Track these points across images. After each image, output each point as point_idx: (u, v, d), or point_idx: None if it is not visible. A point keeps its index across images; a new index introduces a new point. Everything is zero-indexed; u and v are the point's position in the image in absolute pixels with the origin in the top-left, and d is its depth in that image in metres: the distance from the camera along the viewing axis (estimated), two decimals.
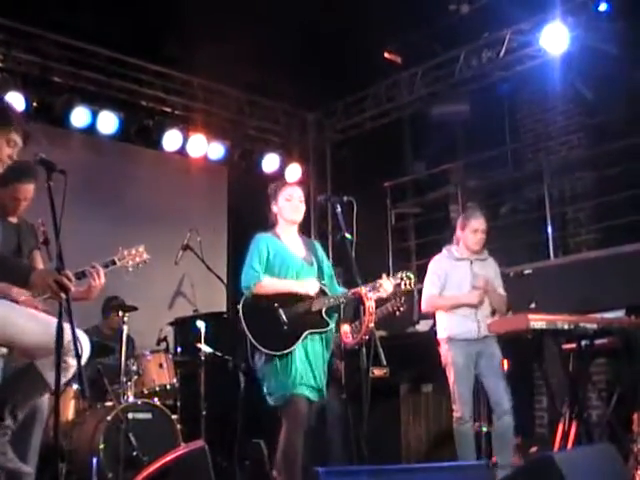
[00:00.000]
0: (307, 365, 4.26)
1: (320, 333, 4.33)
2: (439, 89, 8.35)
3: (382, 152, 9.11)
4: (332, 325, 4.35)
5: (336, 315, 4.44)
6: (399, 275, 4.58)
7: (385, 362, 4.09)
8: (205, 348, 6.53)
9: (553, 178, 8.01)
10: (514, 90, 8.49)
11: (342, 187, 8.64)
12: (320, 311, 4.32)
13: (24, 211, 4.27)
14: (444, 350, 5.46)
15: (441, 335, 5.51)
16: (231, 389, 6.63)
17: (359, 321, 5.68)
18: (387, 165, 9.19)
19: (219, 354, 6.68)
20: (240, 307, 4.29)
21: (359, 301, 4.17)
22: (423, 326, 7.59)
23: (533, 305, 5.60)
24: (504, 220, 8.24)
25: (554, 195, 7.99)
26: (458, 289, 5.45)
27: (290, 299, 4.31)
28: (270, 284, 4.29)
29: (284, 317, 4.24)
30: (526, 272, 7.01)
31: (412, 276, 4.60)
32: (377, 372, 6.22)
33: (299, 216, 4.52)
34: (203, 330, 6.54)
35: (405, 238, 9.39)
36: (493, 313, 5.47)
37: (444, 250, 5.67)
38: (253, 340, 4.19)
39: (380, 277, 4.44)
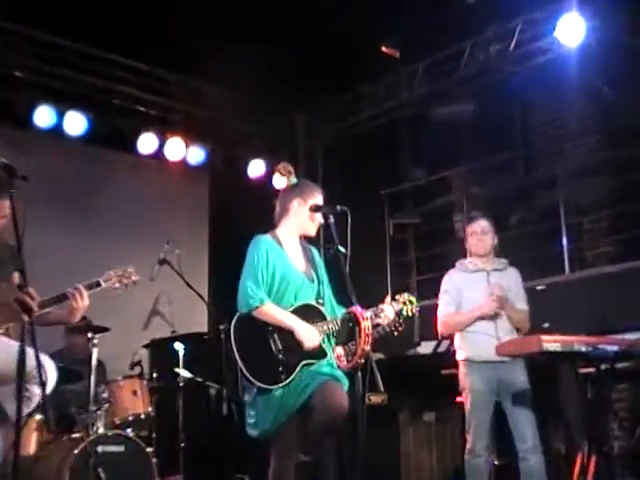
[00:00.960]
0: (301, 395, 4.16)
1: (314, 364, 4.22)
2: (442, 87, 8.37)
3: (379, 157, 9.13)
4: (330, 354, 4.29)
5: (334, 340, 4.38)
6: (401, 300, 4.53)
7: (383, 388, 4.06)
8: (184, 373, 6.49)
9: (568, 185, 8.03)
10: (525, 87, 8.50)
11: (335, 195, 8.62)
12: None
13: (2, 230, 4.13)
14: (461, 374, 5.39)
15: (459, 356, 5.45)
16: (213, 419, 6.60)
17: (354, 343, 5.67)
18: (384, 171, 9.21)
19: (199, 380, 6.65)
20: (232, 327, 4.14)
21: (354, 321, 4.14)
22: (425, 348, 7.57)
23: (546, 325, 5.59)
24: (514, 231, 8.25)
25: (569, 204, 8.00)
26: (474, 305, 5.37)
27: None
28: (272, 315, 4.14)
29: (279, 344, 4.15)
30: (538, 288, 7.00)
31: (414, 300, 4.57)
32: (374, 399, 6.22)
33: (314, 232, 4.39)
34: (182, 353, 6.51)
35: (404, 251, 9.39)
36: (518, 331, 5.35)
37: (457, 264, 5.63)
38: (243, 368, 4.07)
39: (382, 301, 4.39)
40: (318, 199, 4.37)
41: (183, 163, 8.74)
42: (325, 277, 4.46)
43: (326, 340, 4.30)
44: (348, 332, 5.12)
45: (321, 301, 4.34)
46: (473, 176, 8.88)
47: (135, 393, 6.29)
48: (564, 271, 7.54)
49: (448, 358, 7.42)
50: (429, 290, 8.31)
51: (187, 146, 8.63)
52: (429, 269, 8.74)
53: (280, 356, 4.12)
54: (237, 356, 4.08)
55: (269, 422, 4.11)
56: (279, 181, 4.35)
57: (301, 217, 4.34)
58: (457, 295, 5.41)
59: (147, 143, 8.32)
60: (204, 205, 9.45)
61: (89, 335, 6.12)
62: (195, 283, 7.04)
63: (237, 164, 9.13)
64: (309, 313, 4.24)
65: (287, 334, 4.13)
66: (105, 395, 6.04)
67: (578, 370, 4.97)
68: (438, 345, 7.67)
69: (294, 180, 4.48)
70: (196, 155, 8.76)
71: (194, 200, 9.35)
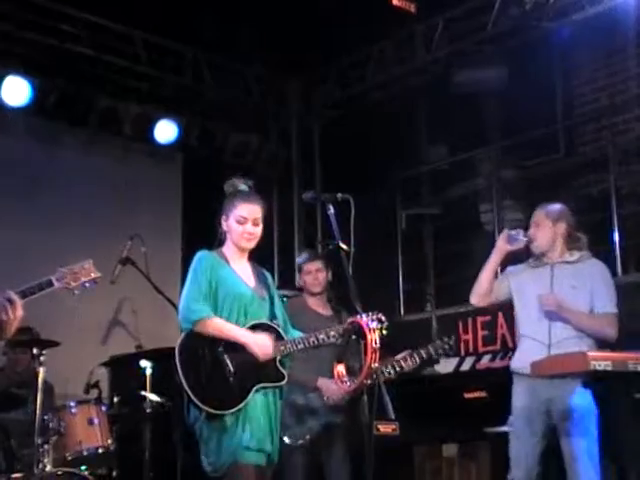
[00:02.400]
0: (257, 424, 4.34)
1: (273, 387, 4.43)
2: (466, 47, 8.35)
3: (389, 134, 9.10)
4: (286, 377, 4.44)
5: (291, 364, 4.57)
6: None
7: (394, 415, 4.07)
8: (151, 397, 6.46)
9: (621, 167, 7.99)
10: (568, 48, 8.47)
11: (335, 181, 8.61)
12: (274, 360, 4.40)
13: None
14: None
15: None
16: (187, 453, 6.56)
17: (357, 360, 5.67)
18: (396, 151, 9.19)
19: (170, 405, 6.62)
20: (177, 347, 4.35)
21: (358, 334, 4.13)
22: (445, 366, 7.56)
23: None
24: None
25: (622, 190, 7.97)
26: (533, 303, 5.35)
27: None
28: (218, 327, 4.37)
29: (231, 366, 4.33)
30: None
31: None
32: (383, 428, 6.20)
33: (251, 245, 4.61)
34: (149, 372, 6.47)
35: (419, 249, 9.37)
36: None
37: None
38: (190, 393, 4.25)
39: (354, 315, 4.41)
40: (239, 210, 4.53)
41: (150, 140, 8.70)
42: (277, 300, 4.69)
43: (285, 363, 4.50)
44: (351, 347, 5.16)
45: (276, 322, 4.53)
46: (504, 157, 8.85)
47: (91, 422, 6.24)
48: (616, 272, 7.50)
49: (473, 378, 7.45)
50: (449, 296, 8.31)
51: (155, 119, 8.58)
52: (449, 270, 8.72)
53: (231, 379, 4.31)
54: (182, 379, 4.26)
55: (222, 456, 4.28)
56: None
57: (231, 233, 4.58)
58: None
59: (105, 116, 8.26)
60: (176, 193, 9.42)
61: (35, 351, 6.08)
62: (165, 286, 7.00)
63: (216, 142, 9.09)
64: (264, 332, 4.44)
65: (238, 353, 4.33)
66: (53, 425, 6.00)
67: (635, 395, 4.95)
68: (461, 363, 7.66)
69: (241, 187, 4.65)
70: (166, 131, 8.71)
71: (164, 186, 9.32)
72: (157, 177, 9.24)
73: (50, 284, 4.05)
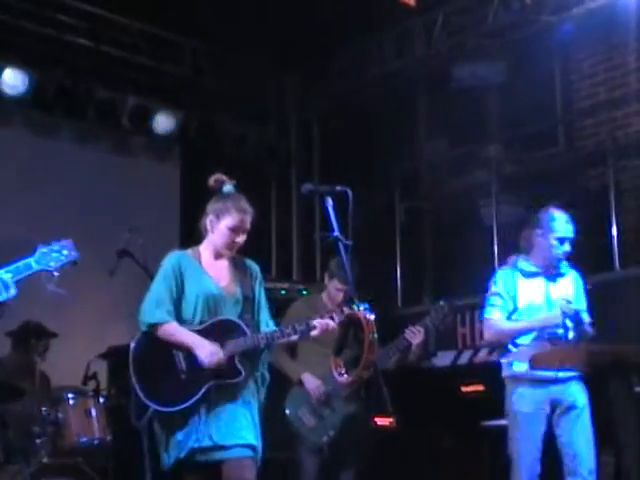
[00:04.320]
0: (213, 422, 4.36)
1: (227, 385, 4.44)
2: (466, 41, 8.33)
3: (388, 127, 9.09)
4: (243, 374, 4.43)
5: (255, 360, 4.56)
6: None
7: (391, 408, 4.06)
8: None
9: (621, 161, 7.99)
10: (568, 41, 8.46)
11: (334, 173, 8.60)
12: (232, 357, 4.41)
13: None
14: (507, 393, 5.39)
15: (504, 372, 5.45)
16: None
17: (355, 353, 5.68)
18: (395, 144, 9.18)
19: None
20: (131, 347, 4.47)
21: (356, 326, 4.13)
22: (442, 359, 7.57)
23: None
24: None
25: (622, 184, 7.97)
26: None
27: None
28: (168, 333, 4.44)
29: (183, 364, 4.41)
30: None
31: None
32: (381, 421, 6.21)
33: (232, 253, 4.63)
34: None
35: (418, 242, 9.36)
36: None
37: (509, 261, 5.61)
38: (138, 389, 4.35)
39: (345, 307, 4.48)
40: (233, 219, 4.52)
41: (149, 133, 8.69)
42: (259, 292, 4.69)
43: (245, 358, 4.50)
44: (349, 339, 5.17)
45: (248, 316, 4.55)
46: (504, 151, 8.84)
47: (89, 414, 6.25)
48: (614, 267, 7.51)
49: (470, 372, 7.45)
50: (448, 289, 8.31)
51: (154, 111, 8.58)
52: (448, 264, 8.72)
53: (183, 376, 4.39)
54: (134, 379, 4.38)
55: (170, 453, 4.38)
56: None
57: (215, 234, 4.59)
58: (509, 300, 5.38)
59: (103, 107, 8.26)
60: (174, 184, 9.41)
61: (33, 342, 6.09)
62: None
63: (214, 134, 9.08)
64: (226, 329, 4.47)
65: (192, 353, 4.40)
66: (51, 416, 6.00)
67: (633, 388, 4.95)
68: (458, 356, 7.66)
69: (228, 189, 4.63)
70: (165, 123, 8.70)
71: (162, 178, 9.31)
72: (155, 169, 9.24)
73: (28, 267, 3.97)
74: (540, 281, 5.36)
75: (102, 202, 8.49)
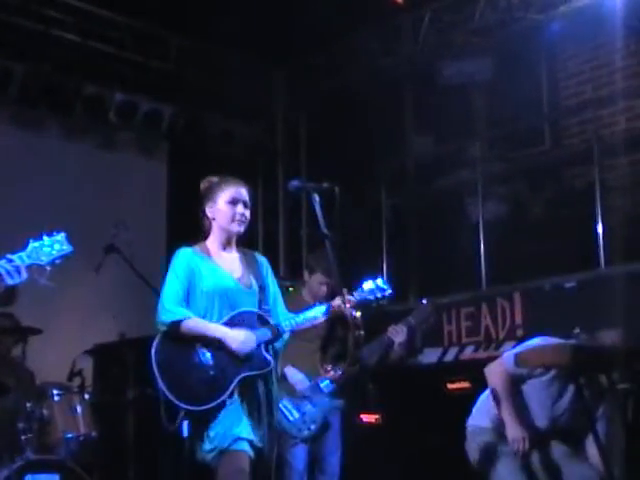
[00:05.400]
0: (244, 415, 4.31)
1: (259, 375, 4.39)
2: (453, 38, 8.35)
3: (375, 124, 9.09)
4: (273, 362, 4.42)
5: (280, 347, 4.55)
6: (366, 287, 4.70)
7: (377, 405, 4.07)
8: (135, 385, 6.46)
9: (607, 159, 8.01)
10: (555, 40, 8.48)
11: (321, 170, 8.60)
12: (258, 347, 4.38)
13: None
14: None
15: None
16: (171, 441, 6.55)
17: (339, 348, 5.69)
18: (381, 142, 9.18)
19: (153, 393, 6.60)
20: (153, 350, 4.33)
21: (340, 321, 4.13)
22: (428, 357, 7.58)
23: (577, 330, 5.58)
24: (539, 216, 8.23)
25: (608, 182, 7.99)
26: None
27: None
28: (195, 328, 4.35)
29: (209, 360, 4.33)
30: (568, 285, 7.00)
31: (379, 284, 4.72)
32: (366, 418, 6.22)
33: (241, 228, 4.57)
34: (133, 361, 6.46)
35: (404, 240, 9.36)
36: None
37: None
38: (167, 392, 4.22)
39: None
40: (228, 192, 4.54)
41: (136, 128, 8.66)
42: (272, 281, 4.66)
43: (270, 349, 4.46)
44: (334, 335, 5.17)
45: (266, 308, 4.51)
46: (490, 148, 8.85)
47: (74, 410, 6.22)
48: (599, 265, 7.53)
49: (456, 369, 7.46)
50: (434, 287, 8.32)
51: (141, 107, 8.56)
52: (434, 262, 8.72)
53: (211, 372, 4.29)
54: (160, 382, 4.23)
55: (213, 443, 4.25)
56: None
57: (218, 217, 4.55)
58: None
59: (90, 103, 8.25)
60: (161, 179, 9.41)
61: (16, 338, 6.07)
62: (149, 275, 6.99)
63: (201, 130, 9.07)
64: (248, 320, 4.42)
65: (217, 348, 4.31)
66: (36, 413, 5.98)
67: (616, 385, 4.97)
68: (444, 354, 7.68)
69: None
70: (152, 118, 8.69)
71: (149, 174, 9.31)
72: (142, 165, 9.23)
73: (21, 260, 3.95)
74: None
75: (89, 198, 8.48)
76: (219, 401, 4.23)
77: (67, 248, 4.10)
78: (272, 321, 4.46)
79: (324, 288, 5.74)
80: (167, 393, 4.23)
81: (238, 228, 4.54)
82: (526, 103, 8.63)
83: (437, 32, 8.42)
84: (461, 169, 9.11)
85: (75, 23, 8.04)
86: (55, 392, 6.25)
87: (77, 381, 6.71)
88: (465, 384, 6.93)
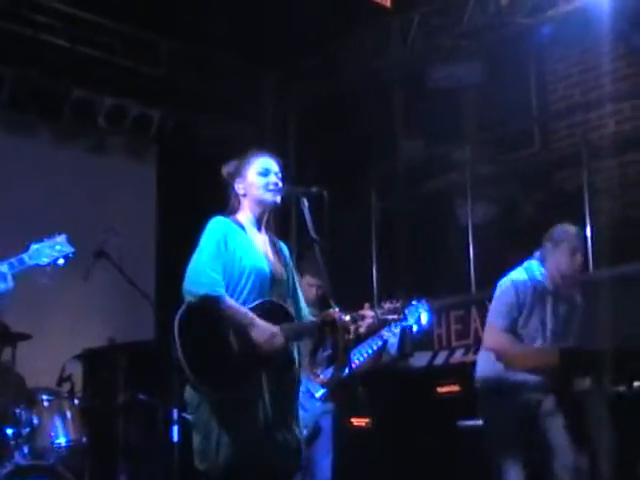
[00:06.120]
0: (263, 414, 3.97)
1: (282, 371, 4.08)
2: (442, 42, 8.36)
3: (364, 127, 9.10)
4: (297, 363, 4.18)
5: (304, 347, 4.36)
6: (386, 306, 4.55)
7: (367, 409, 4.07)
8: (125, 390, 6.45)
9: (595, 162, 8.03)
10: (544, 44, 8.51)
11: (310, 174, 8.60)
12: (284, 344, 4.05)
13: None
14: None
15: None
16: (161, 447, 6.56)
17: (330, 353, 5.70)
18: (371, 144, 9.18)
19: (144, 398, 6.61)
20: (177, 323, 3.92)
21: (330, 327, 4.11)
22: (418, 360, 7.58)
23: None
24: (529, 218, 8.25)
25: (596, 185, 8.01)
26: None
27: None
28: (224, 308, 3.95)
29: (234, 344, 3.97)
30: None
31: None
32: (357, 422, 6.23)
33: (277, 197, 4.27)
34: (123, 366, 6.46)
35: (394, 243, 9.37)
36: None
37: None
38: (187, 368, 3.85)
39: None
40: (257, 163, 4.35)
41: (125, 132, 8.66)
42: (295, 276, 4.42)
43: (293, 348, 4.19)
44: (324, 340, 5.16)
45: (290, 301, 4.25)
46: (480, 151, 8.87)
47: (64, 415, 6.22)
48: (588, 268, 7.54)
49: (446, 372, 7.47)
50: (423, 290, 8.32)
51: (130, 110, 8.56)
52: (424, 265, 8.73)
53: (233, 360, 3.94)
54: (180, 354, 3.87)
55: (221, 451, 3.91)
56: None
57: (252, 192, 4.28)
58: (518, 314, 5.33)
59: (79, 106, 8.25)
60: (150, 183, 9.39)
61: (5, 343, 6.06)
62: (139, 279, 6.98)
63: (191, 134, 9.06)
64: (275, 313, 4.09)
65: (244, 335, 3.97)
66: (26, 418, 5.97)
67: (606, 387, 4.98)
68: (434, 357, 7.69)
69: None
70: (141, 122, 8.68)
71: (138, 177, 9.30)
72: (132, 169, 9.22)
73: (21, 262, 3.97)
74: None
75: (78, 202, 8.46)
76: (238, 391, 3.90)
77: (68, 249, 4.13)
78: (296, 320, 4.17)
79: (314, 290, 5.73)
80: (187, 368, 3.83)
81: (273, 197, 4.26)
82: (515, 106, 8.65)
83: (426, 35, 8.43)
84: (451, 172, 9.13)
85: (64, 28, 8.03)
86: (45, 397, 6.25)
87: (67, 386, 6.69)
88: (455, 387, 6.94)
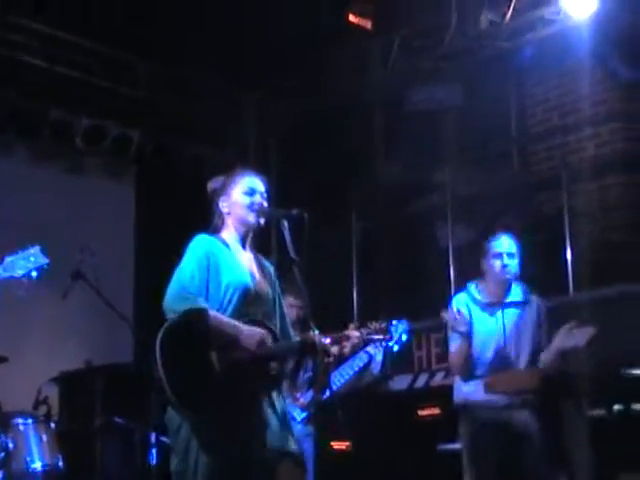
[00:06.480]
0: (250, 435, 3.93)
1: (266, 388, 4.03)
2: (422, 64, 8.38)
3: (344, 149, 9.11)
4: (283, 379, 4.18)
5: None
6: (372, 327, 4.51)
7: (348, 432, 4.05)
8: (102, 413, 6.41)
9: (574, 185, 8.07)
10: (523, 67, 8.55)
11: (291, 195, 8.59)
12: (268, 359, 4.01)
13: None
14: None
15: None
16: (139, 470, 6.52)
17: (310, 375, 5.67)
18: (352, 166, 9.19)
19: (121, 421, 6.56)
20: (158, 341, 3.85)
21: (310, 348, 4.09)
22: (398, 383, 7.57)
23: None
24: None
25: (575, 207, 8.05)
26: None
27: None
28: (209, 321, 3.89)
29: (217, 365, 3.89)
30: None
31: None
32: (337, 446, 6.20)
33: (260, 219, 4.25)
34: (100, 389, 6.41)
35: (374, 264, 9.37)
36: None
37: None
38: (168, 388, 3.79)
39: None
40: (243, 183, 4.31)
41: (103, 153, 8.64)
42: (282, 295, 4.38)
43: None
44: (303, 362, 5.13)
45: (275, 322, 4.18)
46: (460, 174, 8.89)
47: (40, 439, 6.13)
48: (568, 291, 7.56)
49: (426, 395, 7.46)
50: (404, 310, 8.31)
51: (108, 132, 8.53)
52: (405, 286, 8.73)
53: (218, 379, 3.88)
54: (162, 374, 3.80)
55: (199, 472, 3.84)
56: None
57: (235, 212, 4.26)
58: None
59: (57, 128, 8.22)
60: (129, 204, 9.36)
61: None
62: (116, 301, 6.93)
63: (170, 155, 9.04)
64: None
65: (228, 352, 3.90)
66: (1, 441, 5.91)
67: (586, 411, 4.99)
68: (415, 380, 7.67)
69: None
70: (120, 143, 8.66)
71: (116, 198, 9.26)
72: (110, 189, 9.18)
73: None
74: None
75: (56, 223, 8.39)
76: (220, 410, 3.83)
77: (42, 260, 4.08)
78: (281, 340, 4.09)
79: (294, 311, 5.70)
80: (167, 390, 3.77)
81: (257, 219, 4.23)
82: (494, 129, 8.69)
83: (406, 57, 8.45)
84: (431, 194, 9.14)
85: (42, 48, 8.01)
86: (20, 421, 6.17)
87: (43, 409, 6.64)
88: (436, 410, 6.94)
